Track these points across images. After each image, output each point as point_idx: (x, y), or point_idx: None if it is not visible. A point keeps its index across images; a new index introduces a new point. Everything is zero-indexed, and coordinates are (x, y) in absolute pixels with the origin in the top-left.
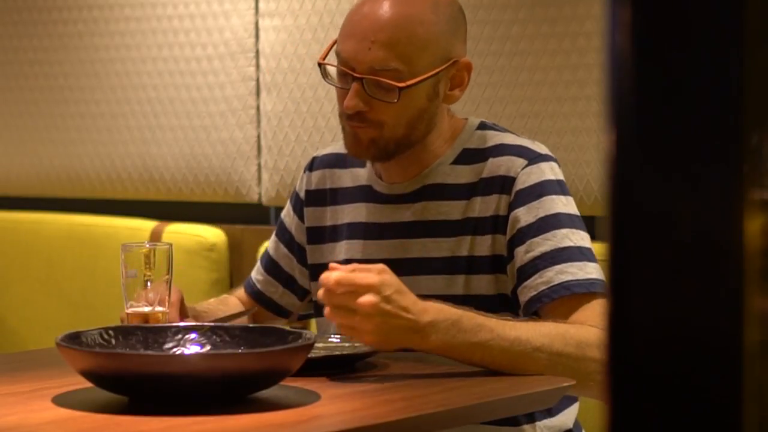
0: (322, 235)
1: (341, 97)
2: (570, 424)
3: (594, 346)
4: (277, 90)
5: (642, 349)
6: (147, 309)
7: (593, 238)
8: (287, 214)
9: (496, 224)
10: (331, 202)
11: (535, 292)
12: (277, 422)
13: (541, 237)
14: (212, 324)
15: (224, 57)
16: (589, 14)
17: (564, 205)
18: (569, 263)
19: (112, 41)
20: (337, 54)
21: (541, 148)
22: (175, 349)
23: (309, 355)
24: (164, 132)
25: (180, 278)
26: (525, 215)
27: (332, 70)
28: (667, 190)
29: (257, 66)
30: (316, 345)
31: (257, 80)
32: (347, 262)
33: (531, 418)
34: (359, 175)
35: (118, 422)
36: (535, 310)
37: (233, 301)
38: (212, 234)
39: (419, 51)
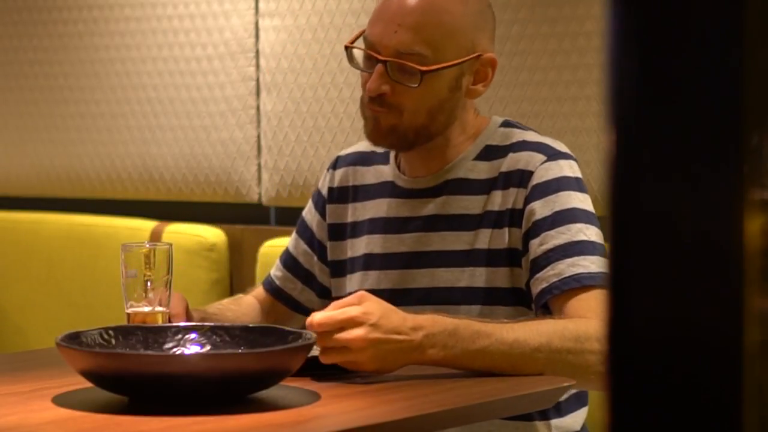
0: (343, 231)
1: (365, 83)
2: (577, 427)
3: (593, 338)
4: (277, 90)
5: (642, 349)
6: (147, 309)
7: None
8: (308, 212)
9: (513, 217)
10: (353, 199)
11: (546, 284)
12: (277, 422)
13: (555, 230)
14: (212, 324)
15: (224, 57)
16: (589, 14)
17: (580, 201)
18: (582, 256)
19: (112, 41)
20: (364, 38)
21: (561, 147)
22: (175, 349)
23: (309, 355)
24: (164, 132)
25: (180, 278)
26: (541, 208)
27: (358, 57)
28: (667, 190)
29: (257, 66)
30: (317, 345)
31: (257, 80)
32: (367, 256)
33: (544, 416)
34: (382, 172)
35: (118, 422)
36: (545, 302)
37: (246, 301)
38: (212, 234)
39: (444, 38)
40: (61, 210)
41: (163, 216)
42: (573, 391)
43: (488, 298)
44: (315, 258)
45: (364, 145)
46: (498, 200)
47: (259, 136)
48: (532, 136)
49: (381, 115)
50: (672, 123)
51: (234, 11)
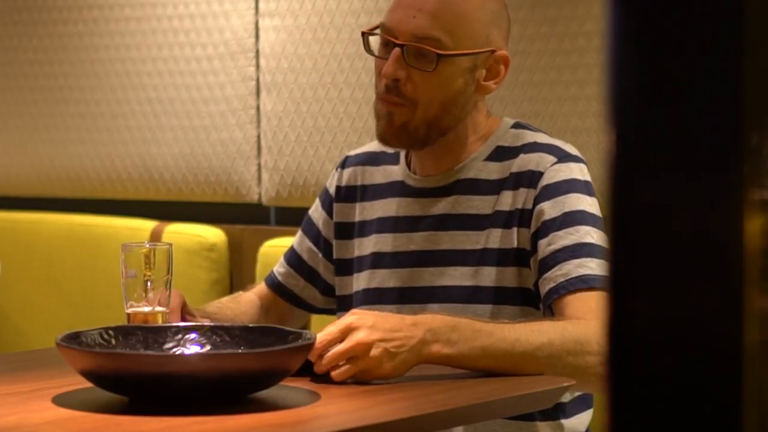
0: (350, 230)
1: (380, 71)
2: (582, 428)
3: (593, 340)
4: (277, 90)
5: (642, 349)
6: (147, 309)
7: None
8: (315, 210)
9: (522, 218)
10: (361, 199)
11: (553, 284)
12: (277, 422)
13: (564, 231)
14: (212, 324)
15: (224, 57)
16: (589, 14)
17: (589, 204)
18: (590, 258)
19: (112, 41)
20: (382, 26)
21: (572, 149)
22: (175, 349)
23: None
24: (164, 132)
25: (180, 278)
26: (550, 209)
27: (374, 46)
28: (667, 190)
29: (257, 66)
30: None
31: (257, 80)
32: (375, 255)
33: (549, 416)
34: (392, 172)
35: (118, 422)
36: (552, 302)
37: (245, 298)
38: (212, 234)
39: (461, 26)
40: (61, 210)
41: (163, 216)
42: (576, 393)
43: (496, 298)
44: (320, 255)
45: (373, 145)
46: (508, 200)
47: (259, 136)
48: (543, 138)
49: (395, 109)
50: (672, 123)
51: (234, 11)
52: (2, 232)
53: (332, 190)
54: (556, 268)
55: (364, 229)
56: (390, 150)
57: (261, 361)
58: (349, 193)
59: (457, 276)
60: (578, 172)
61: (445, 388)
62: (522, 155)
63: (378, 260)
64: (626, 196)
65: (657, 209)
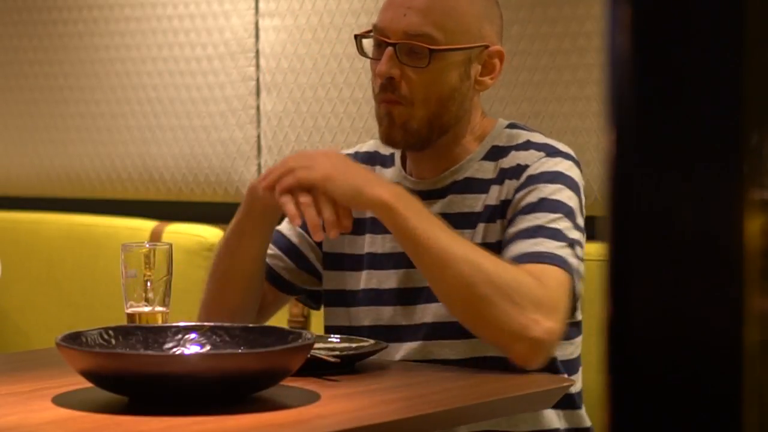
0: None
1: (374, 74)
2: (589, 423)
3: (522, 292)
4: (277, 90)
5: (642, 349)
6: (147, 309)
7: (593, 238)
8: None
9: (504, 209)
10: None
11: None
12: (277, 422)
13: (532, 215)
14: (212, 324)
15: (224, 57)
16: (589, 14)
17: (568, 197)
18: (549, 240)
19: (112, 41)
20: (374, 27)
21: (565, 148)
22: (175, 349)
23: (309, 355)
24: (164, 132)
25: (180, 278)
26: (527, 196)
27: (368, 48)
28: (667, 190)
29: (257, 66)
30: (316, 345)
31: (257, 80)
32: (370, 255)
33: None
34: (386, 174)
35: (118, 422)
36: None
37: None
38: (212, 234)
39: (453, 22)
40: (61, 210)
41: (163, 216)
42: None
43: None
44: (309, 239)
45: (369, 145)
46: (495, 194)
47: (259, 136)
48: (538, 137)
49: (393, 108)
50: (672, 123)
51: (234, 11)
52: (2, 232)
53: None
54: (512, 246)
55: (356, 227)
56: (392, 150)
57: (261, 361)
58: None
59: None
60: (566, 167)
61: (444, 388)
62: (513, 152)
63: (373, 261)
64: (626, 196)
65: (657, 209)
